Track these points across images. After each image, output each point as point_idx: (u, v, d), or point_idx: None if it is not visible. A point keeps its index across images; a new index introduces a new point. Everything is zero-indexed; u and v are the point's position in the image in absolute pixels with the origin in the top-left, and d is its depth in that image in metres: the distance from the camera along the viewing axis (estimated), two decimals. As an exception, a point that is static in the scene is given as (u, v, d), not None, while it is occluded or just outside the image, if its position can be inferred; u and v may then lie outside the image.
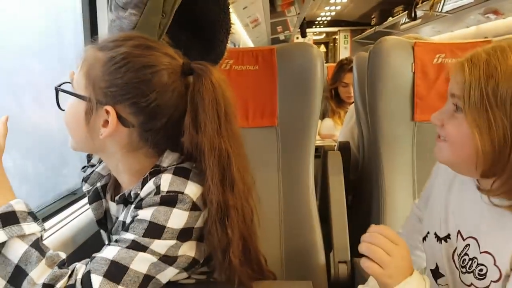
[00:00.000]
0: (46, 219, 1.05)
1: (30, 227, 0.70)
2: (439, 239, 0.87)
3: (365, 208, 1.60)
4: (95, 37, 0.88)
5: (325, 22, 8.85)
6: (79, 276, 0.69)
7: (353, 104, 2.16)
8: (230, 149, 0.79)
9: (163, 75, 0.76)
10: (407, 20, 5.72)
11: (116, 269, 0.69)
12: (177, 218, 0.72)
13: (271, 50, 1.45)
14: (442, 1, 4.38)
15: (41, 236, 0.72)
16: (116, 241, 0.73)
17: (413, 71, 1.42)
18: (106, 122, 0.76)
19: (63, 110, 0.80)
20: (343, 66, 2.76)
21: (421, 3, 4.71)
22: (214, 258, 0.81)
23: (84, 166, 1.09)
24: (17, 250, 0.67)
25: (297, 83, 1.44)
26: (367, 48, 1.80)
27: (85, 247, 1.06)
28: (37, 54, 1.18)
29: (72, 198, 1.23)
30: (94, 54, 0.77)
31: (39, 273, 0.67)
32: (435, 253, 0.88)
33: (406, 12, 5.23)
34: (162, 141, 0.80)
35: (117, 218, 0.88)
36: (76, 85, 0.78)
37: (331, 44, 9.74)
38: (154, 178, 0.76)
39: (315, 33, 9.22)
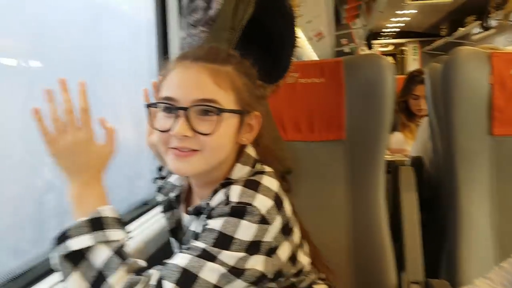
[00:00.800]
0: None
1: (115, 234, 0.72)
2: None
3: (439, 228, 1.51)
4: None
5: (393, 33, 8.62)
6: (153, 282, 0.70)
7: (426, 117, 2.07)
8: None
9: None
10: (479, 30, 5.45)
11: (186, 277, 0.69)
12: (246, 230, 0.72)
13: (337, 62, 1.43)
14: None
15: (124, 244, 0.75)
16: (187, 248, 0.74)
17: (491, 82, 1.33)
18: (247, 128, 0.83)
19: (206, 134, 0.76)
20: (414, 78, 2.67)
21: (495, 12, 4.47)
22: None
23: (156, 178, 1.12)
24: (100, 256, 0.70)
25: (366, 96, 1.40)
26: (438, 59, 1.72)
27: (157, 255, 1.09)
28: (117, 71, 1.25)
29: (144, 208, 1.28)
30: (224, 69, 0.79)
31: (117, 279, 0.69)
32: None
33: (479, 22, 4.99)
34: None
35: (188, 228, 0.89)
36: (225, 102, 0.78)
37: (399, 56, 9.45)
38: (225, 189, 0.78)
39: (382, 45, 8.99)
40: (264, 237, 0.74)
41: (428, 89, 1.72)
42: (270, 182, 0.79)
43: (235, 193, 0.75)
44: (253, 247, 0.73)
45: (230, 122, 0.78)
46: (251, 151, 0.85)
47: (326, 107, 1.44)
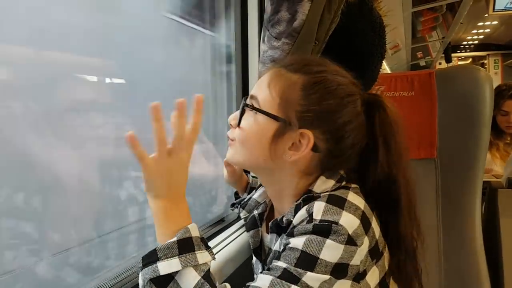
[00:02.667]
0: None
1: (203, 256, 0.69)
2: None
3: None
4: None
5: (472, 46, 8.17)
6: None
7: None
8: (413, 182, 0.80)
9: (358, 104, 0.77)
10: None
11: None
12: (331, 251, 0.66)
13: (429, 74, 1.33)
14: None
15: (210, 266, 0.71)
16: (268, 269, 0.70)
17: None
18: (293, 145, 0.76)
19: (239, 127, 0.79)
20: (502, 92, 2.49)
21: None
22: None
23: (233, 204, 1.10)
24: (189, 281, 0.66)
25: (461, 111, 1.28)
26: None
27: (236, 275, 1.05)
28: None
29: (221, 225, 1.24)
30: (287, 75, 0.77)
31: None
32: None
33: None
34: (337, 167, 0.79)
35: (270, 249, 0.85)
36: (265, 105, 0.77)
37: (479, 70, 8.92)
38: (307, 205, 0.72)
39: (460, 58, 8.55)
40: (351, 260, 0.68)
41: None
42: (357, 199, 0.73)
43: (319, 209, 0.70)
44: (339, 270, 0.67)
45: (263, 124, 0.76)
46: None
47: (417, 123, 1.34)
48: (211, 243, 1.12)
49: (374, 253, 0.72)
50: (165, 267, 0.65)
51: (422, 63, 6.92)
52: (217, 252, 1.07)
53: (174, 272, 0.65)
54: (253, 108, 0.77)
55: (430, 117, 1.32)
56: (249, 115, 0.78)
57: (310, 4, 1.05)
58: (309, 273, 0.65)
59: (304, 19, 1.05)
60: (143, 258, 0.67)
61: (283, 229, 0.78)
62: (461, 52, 8.35)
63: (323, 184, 0.77)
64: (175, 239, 0.67)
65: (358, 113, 0.77)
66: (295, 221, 0.72)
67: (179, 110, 0.68)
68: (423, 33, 5.60)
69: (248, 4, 1.31)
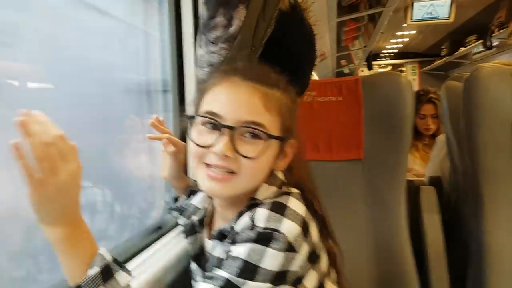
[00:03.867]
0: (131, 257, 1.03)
1: (122, 278, 0.67)
2: None
3: (461, 252, 1.46)
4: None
5: (391, 54, 8.69)
6: None
7: (441, 137, 2.03)
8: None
9: None
10: (479, 49, 5.48)
11: None
12: (272, 259, 0.67)
13: (356, 80, 1.40)
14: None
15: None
16: (210, 277, 0.69)
17: (515, 99, 1.30)
18: (279, 156, 0.79)
19: (250, 158, 0.73)
20: (420, 97, 2.66)
21: (497, 31, 4.49)
22: None
23: (171, 208, 1.09)
24: None
25: (385, 114, 1.37)
26: (456, 78, 1.69)
27: (175, 284, 1.03)
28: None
29: (159, 232, 1.22)
30: (273, 93, 0.77)
31: None
32: None
33: (481, 41, 5.01)
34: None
35: (211, 254, 0.84)
36: (272, 129, 0.75)
37: (397, 77, 9.48)
38: (250, 212, 0.73)
39: (380, 66, 9.06)
40: (291, 266, 0.69)
41: (445, 108, 1.68)
42: (297, 205, 0.74)
43: (262, 217, 0.70)
44: (279, 278, 0.68)
45: (272, 148, 0.76)
46: (278, 172, 0.81)
47: (344, 126, 1.41)
48: (149, 251, 1.09)
49: (312, 258, 0.74)
50: None
51: (346, 70, 7.25)
52: (157, 260, 1.05)
53: None
54: (269, 135, 0.74)
55: (357, 121, 1.39)
56: (257, 143, 0.73)
57: (245, 10, 1.07)
58: (250, 283, 0.66)
59: (240, 25, 1.07)
60: None
61: (226, 236, 0.77)
62: (381, 60, 8.86)
63: (266, 191, 0.77)
64: (98, 269, 0.64)
65: None
66: (238, 227, 0.73)
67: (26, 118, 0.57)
68: (347, 42, 5.88)
69: (182, 9, 1.31)
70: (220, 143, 0.71)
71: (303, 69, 1.25)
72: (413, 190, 1.51)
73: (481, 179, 1.34)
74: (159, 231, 1.24)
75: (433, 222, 1.41)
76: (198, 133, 0.75)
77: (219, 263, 0.72)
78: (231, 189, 0.74)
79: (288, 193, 0.77)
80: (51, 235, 0.63)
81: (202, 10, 1.12)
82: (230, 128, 0.72)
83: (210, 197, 0.89)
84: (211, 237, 0.83)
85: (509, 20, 3.89)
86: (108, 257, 0.67)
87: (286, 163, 0.81)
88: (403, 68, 8.99)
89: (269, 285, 0.67)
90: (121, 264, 0.69)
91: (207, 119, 0.74)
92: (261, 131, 0.73)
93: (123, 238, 1.12)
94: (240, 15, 1.08)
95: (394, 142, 1.37)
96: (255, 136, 0.73)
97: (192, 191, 1.06)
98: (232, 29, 1.09)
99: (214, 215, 0.89)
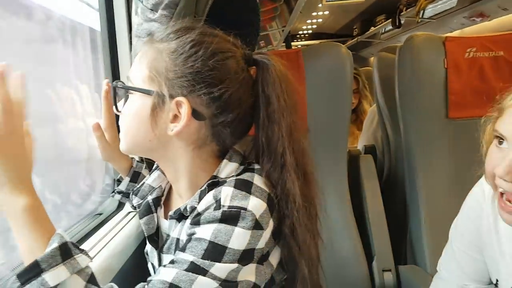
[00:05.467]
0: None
1: (83, 260, 0.61)
2: None
3: (399, 212, 1.53)
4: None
5: (307, 35, 8.91)
6: None
7: (372, 108, 2.11)
8: (305, 144, 0.75)
9: (233, 62, 0.71)
10: (387, 28, 5.79)
11: None
12: (240, 238, 0.64)
13: (297, 52, 1.39)
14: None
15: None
16: (172, 262, 0.65)
17: (446, 66, 1.37)
18: (175, 117, 0.69)
19: (119, 112, 0.75)
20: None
21: (405, 10, 4.76)
22: (297, 273, 0.72)
23: (114, 191, 1.03)
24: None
25: (326, 85, 1.38)
26: (386, 49, 1.76)
27: (126, 270, 0.96)
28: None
29: (99, 219, 1.12)
30: (155, 46, 0.71)
31: None
32: None
33: (390, 20, 5.29)
34: (228, 138, 0.74)
35: (168, 235, 0.79)
36: (137, 81, 0.72)
37: (312, 57, 9.79)
38: (213, 191, 0.69)
39: (296, 47, 9.28)
40: (257, 244, 0.67)
41: (376, 78, 1.74)
42: (261, 181, 0.71)
43: (226, 195, 0.67)
44: (246, 256, 0.65)
45: (138, 102, 0.72)
46: (237, 146, 0.77)
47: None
48: (92, 240, 1.00)
49: (277, 234, 0.71)
50: (53, 277, 0.56)
51: (265, 51, 7.31)
52: (101, 249, 0.96)
53: (60, 282, 0.57)
54: (123, 87, 0.74)
55: (300, 92, 1.38)
56: (124, 97, 0.75)
57: (187, -27, 1.00)
58: (217, 264, 0.63)
59: (182, -10, 1.00)
60: (21, 275, 0.56)
61: (186, 216, 0.73)
62: (297, 41, 9.06)
63: (227, 168, 0.74)
64: (56, 245, 0.58)
65: (236, 70, 0.71)
66: (200, 208, 0.68)
67: None
68: (264, 22, 5.92)
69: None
70: None
71: (248, 38, 1.20)
72: (352, 159, 1.54)
73: (414, 143, 1.41)
74: (99, 218, 1.14)
75: (373, 190, 1.46)
76: None
77: (180, 246, 0.68)
78: (122, 143, 0.76)
79: (252, 170, 0.73)
80: (13, 205, 0.59)
81: (138, -28, 1.02)
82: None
83: (164, 175, 0.83)
84: (168, 217, 0.78)
85: (416, -1, 4.13)
86: (66, 238, 0.61)
87: (181, 126, 0.69)
88: (318, 49, 9.28)
89: (236, 264, 0.64)
90: (78, 246, 0.63)
91: None
92: (119, 84, 0.75)
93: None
94: (181, -22, 1.00)
95: (336, 112, 1.39)
96: (119, 87, 0.76)
97: (135, 172, 1.00)
98: (173, -7, 1.01)
99: (171, 195, 0.85)
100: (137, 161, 1.03)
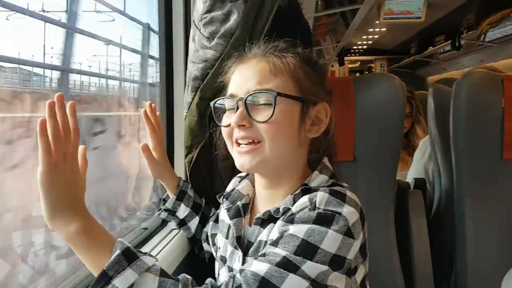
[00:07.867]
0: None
1: (148, 260, 0.65)
2: None
3: (446, 253, 1.47)
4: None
5: (361, 50, 8.79)
6: None
7: (425, 139, 2.04)
8: None
9: None
10: (446, 49, 5.62)
11: None
12: (332, 241, 0.68)
13: (348, 80, 1.38)
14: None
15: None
16: (264, 254, 0.68)
17: (503, 106, 1.32)
18: (313, 122, 0.80)
19: (263, 122, 0.77)
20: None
21: (466, 32, 4.61)
22: None
23: (160, 209, 1.06)
24: (149, 285, 0.62)
25: (377, 116, 1.35)
26: (406, 77, 1.71)
27: None
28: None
29: (145, 233, 1.16)
30: (283, 59, 0.79)
31: None
32: None
33: (450, 41, 5.14)
34: (322, 149, 0.84)
35: (250, 241, 0.84)
36: (284, 90, 0.77)
37: (366, 72, 9.62)
38: (308, 195, 0.74)
39: (349, 62, 9.15)
40: (348, 253, 0.69)
41: (432, 111, 1.68)
42: (354, 196, 0.75)
43: (322, 199, 0.72)
44: (336, 262, 0.68)
45: (288, 109, 0.77)
46: (326, 161, 0.84)
47: (336, 127, 1.38)
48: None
49: (363, 251, 0.74)
50: (122, 281, 0.60)
51: (318, 65, 7.27)
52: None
53: (131, 284, 0.61)
54: (285, 95, 0.76)
55: (349, 122, 1.37)
56: (268, 108, 0.76)
57: (244, 5, 1.02)
58: (308, 262, 0.66)
59: (238, 21, 1.03)
60: (96, 281, 0.61)
61: (275, 219, 0.78)
62: (350, 55, 8.95)
63: (318, 179, 0.80)
64: (119, 251, 0.62)
65: None
66: (295, 208, 0.73)
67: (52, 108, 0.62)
68: (318, 37, 5.90)
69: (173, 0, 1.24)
70: (235, 116, 0.77)
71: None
72: (400, 193, 1.50)
73: (466, 182, 1.36)
74: (144, 232, 1.18)
75: (420, 226, 1.42)
76: (225, 117, 0.82)
77: (273, 242, 0.71)
78: (258, 156, 0.77)
79: (342, 185, 0.78)
80: (66, 230, 0.63)
81: (198, 2, 1.07)
82: (240, 99, 0.77)
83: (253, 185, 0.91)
84: (252, 222, 0.84)
85: (478, 23, 3.99)
86: (128, 244, 0.66)
87: (321, 129, 0.81)
88: (372, 65, 9.12)
89: (327, 267, 0.67)
90: (141, 251, 0.68)
91: (225, 99, 0.82)
92: (267, 92, 0.76)
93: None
94: (238, 9, 1.03)
95: (385, 144, 1.36)
96: (267, 104, 0.76)
97: (182, 191, 1.04)
98: (230, 24, 1.04)
99: (255, 204, 0.90)
100: (184, 181, 1.06)
